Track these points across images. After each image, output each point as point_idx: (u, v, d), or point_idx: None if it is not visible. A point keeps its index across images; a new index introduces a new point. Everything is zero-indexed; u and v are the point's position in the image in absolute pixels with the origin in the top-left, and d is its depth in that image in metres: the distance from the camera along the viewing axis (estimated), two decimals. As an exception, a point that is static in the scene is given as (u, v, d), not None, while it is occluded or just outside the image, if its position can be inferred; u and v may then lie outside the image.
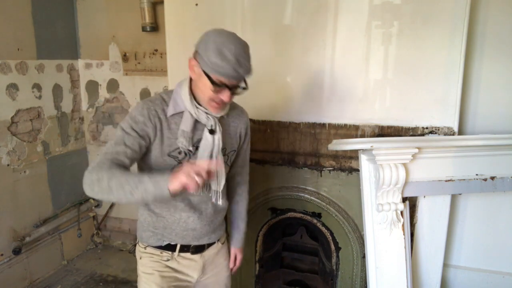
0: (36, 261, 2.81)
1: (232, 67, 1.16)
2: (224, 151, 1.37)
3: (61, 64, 2.97)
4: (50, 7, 2.82)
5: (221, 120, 1.35)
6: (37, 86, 2.76)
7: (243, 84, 1.25)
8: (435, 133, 1.85)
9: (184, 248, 1.42)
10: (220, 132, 1.31)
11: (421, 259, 1.96)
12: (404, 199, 1.80)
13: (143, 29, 2.79)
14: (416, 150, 1.68)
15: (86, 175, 1.16)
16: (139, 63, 3.00)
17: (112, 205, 3.29)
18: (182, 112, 1.29)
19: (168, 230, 1.39)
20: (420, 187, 1.81)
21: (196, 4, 2.04)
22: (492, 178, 1.85)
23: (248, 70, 1.21)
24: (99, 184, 1.13)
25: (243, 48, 1.21)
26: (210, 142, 1.30)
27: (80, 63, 3.13)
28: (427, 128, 1.86)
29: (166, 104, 1.30)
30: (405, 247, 1.80)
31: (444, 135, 1.83)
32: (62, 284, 2.80)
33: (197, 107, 1.28)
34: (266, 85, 1.97)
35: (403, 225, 1.81)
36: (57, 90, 2.94)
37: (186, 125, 1.28)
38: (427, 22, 1.76)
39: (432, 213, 1.92)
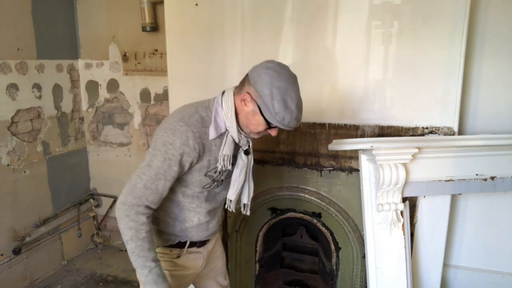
0: (36, 261, 2.81)
1: (295, 119, 1.19)
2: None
3: (61, 64, 2.97)
4: (50, 7, 2.82)
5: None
6: (37, 86, 2.76)
7: None
8: (435, 133, 1.85)
9: (192, 244, 1.46)
10: (252, 151, 1.38)
11: (421, 259, 1.96)
12: (404, 199, 1.80)
13: (143, 29, 2.79)
14: (416, 150, 1.68)
15: (120, 211, 1.21)
16: (139, 63, 3.00)
17: (112, 205, 3.29)
18: (222, 134, 1.28)
19: (185, 232, 1.41)
20: (420, 187, 1.81)
21: (196, 4, 2.04)
22: (492, 178, 1.85)
23: (300, 120, 1.24)
24: (122, 231, 1.24)
25: (299, 93, 1.22)
26: (246, 162, 1.35)
27: (80, 63, 3.13)
28: (427, 128, 1.86)
29: (205, 124, 1.26)
30: (405, 247, 1.80)
31: (444, 135, 1.83)
32: (62, 284, 2.80)
33: (240, 133, 1.29)
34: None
35: (403, 225, 1.81)
36: (57, 90, 2.94)
37: (228, 149, 1.28)
38: (427, 22, 1.76)
39: (432, 213, 1.92)
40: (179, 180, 1.30)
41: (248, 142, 1.35)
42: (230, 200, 1.40)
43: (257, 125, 1.24)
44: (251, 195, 1.46)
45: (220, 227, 1.66)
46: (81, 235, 3.18)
